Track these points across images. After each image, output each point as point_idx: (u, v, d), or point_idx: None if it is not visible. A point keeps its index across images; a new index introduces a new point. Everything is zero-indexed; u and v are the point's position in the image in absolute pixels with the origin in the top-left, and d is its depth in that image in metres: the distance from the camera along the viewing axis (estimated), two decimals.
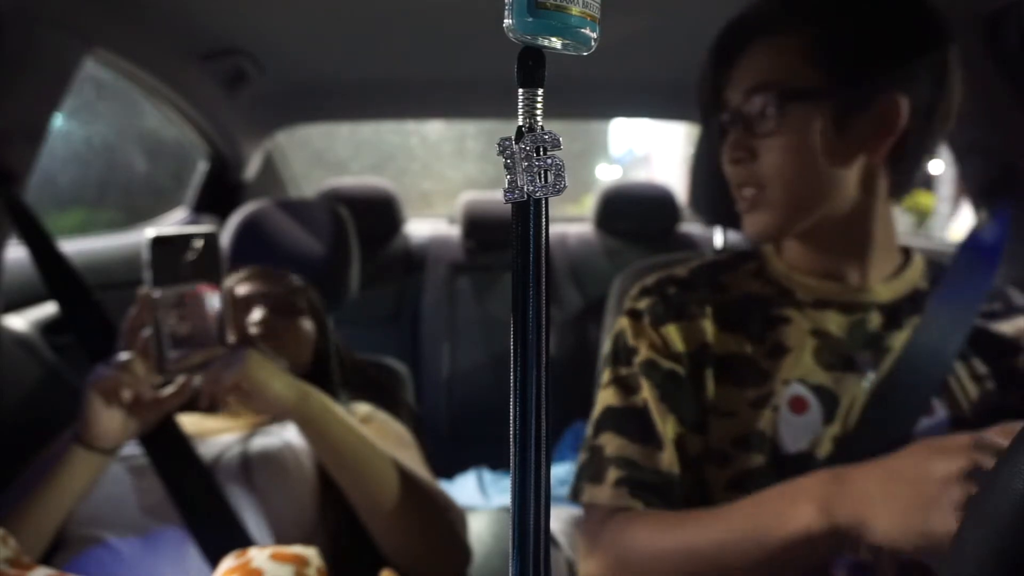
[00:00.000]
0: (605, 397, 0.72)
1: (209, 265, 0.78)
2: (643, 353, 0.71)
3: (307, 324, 1.04)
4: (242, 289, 1.02)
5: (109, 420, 0.73)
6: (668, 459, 0.66)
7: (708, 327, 0.71)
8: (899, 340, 0.68)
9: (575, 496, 0.69)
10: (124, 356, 0.75)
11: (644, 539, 0.61)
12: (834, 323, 0.69)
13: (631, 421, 0.68)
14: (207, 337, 0.77)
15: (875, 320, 0.69)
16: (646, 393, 0.69)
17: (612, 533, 0.64)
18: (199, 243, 0.78)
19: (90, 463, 0.74)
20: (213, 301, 0.78)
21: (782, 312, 0.70)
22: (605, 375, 0.74)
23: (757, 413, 0.67)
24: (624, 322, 0.74)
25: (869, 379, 0.66)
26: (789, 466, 0.64)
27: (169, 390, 0.78)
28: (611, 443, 0.68)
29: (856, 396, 0.66)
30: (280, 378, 0.76)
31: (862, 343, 0.68)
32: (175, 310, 0.75)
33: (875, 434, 0.63)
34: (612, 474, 0.66)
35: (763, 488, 0.62)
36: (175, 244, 0.76)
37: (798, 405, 0.66)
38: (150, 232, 0.75)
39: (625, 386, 0.71)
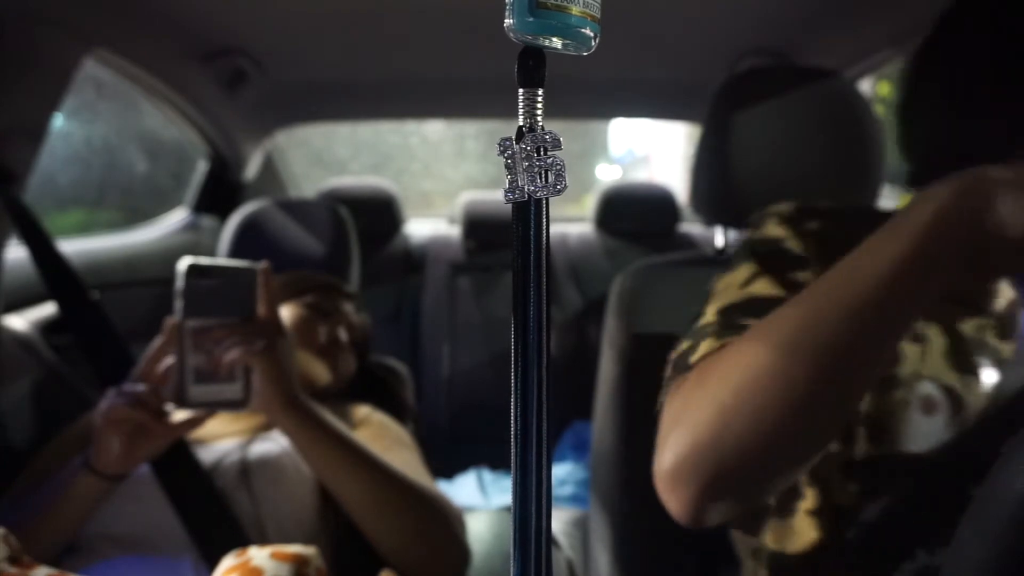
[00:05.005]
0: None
1: (243, 301, 0.76)
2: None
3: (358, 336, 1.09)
4: (308, 301, 1.04)
5: (121, 450, 0.72)
6: None
7: None
8: (1007, 350, 0.64)
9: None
10: (140, 387, 0.74)
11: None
12: (965, 324, 0.65)
13: None
14: (232, 374, 0.75)
15: (993, 328, 0.66)
16: None
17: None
18: (237, 278, 0.76)
19: (100, 488, 0.73)
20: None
21: None
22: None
23: (884, 397, 0.63)
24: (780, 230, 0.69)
25: (988, 387, 0.63)
26: (908, 465, 0.61)
27: (181, 416, 0.76)
28: None
29: (975, 403, 0.62)
30: (287, 389, 0.76)
31: (984, 350, 0.64)
32: (203, 344, 0.74)
33: (983, 444, 0.59)
34: None
35: (874, 475, 0.60)
36: (211, 275, 0.74)
37: (929, 406, 0.62)
38: (186, 259, 0.73)
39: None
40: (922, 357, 0.63)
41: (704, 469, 0.52)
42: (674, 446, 0.54)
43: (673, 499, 0.54)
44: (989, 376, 0.64)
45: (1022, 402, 0.61)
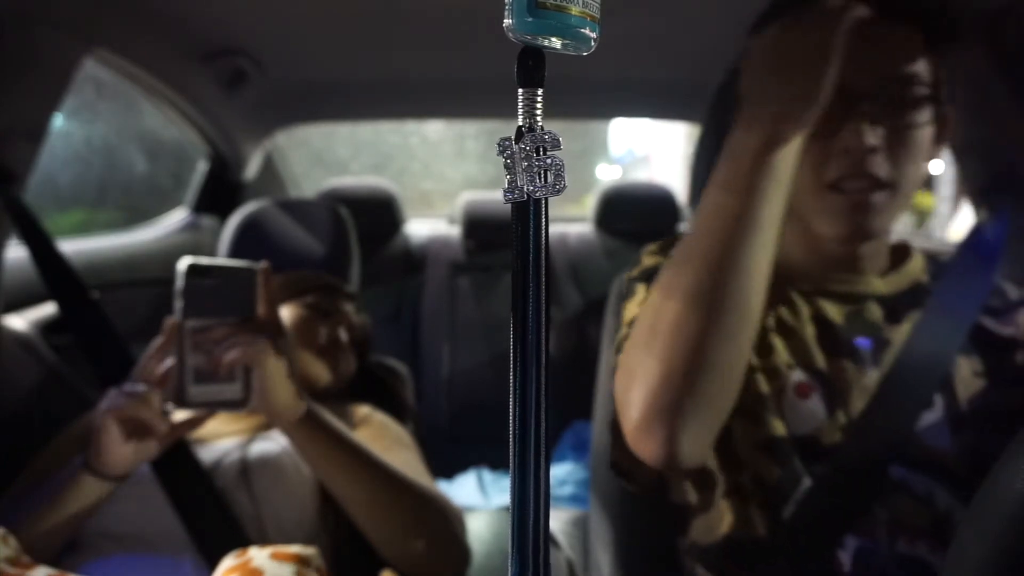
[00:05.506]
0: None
1: (243, 301, 0.76)
2: None
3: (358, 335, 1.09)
4: (308, 301, 1.03)
5: (121, 449, 0.72)
6: None
7: None
8: (900, 334, 0.68)
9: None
10: (141, 388, 0.74)
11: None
12: (833, 312, 0.69)
13: None
14: (232, 374, 0.74)
15: (874, 312, 0.69)
16: None
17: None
18: (237, 277, 0.76)
19: (99, 489, 0.73)
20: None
21: (784, 293, 0.71)
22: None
23: (766, 386, 0.68)
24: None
25: (871, 370, 0.66)
26: (799, 445, 0.65)
27: (181, 416, 0.76)
28: None
29: (859, 387, 0.66)
30: (287, 389, 0.76)
31: (861, 333, 0.68)
32: (203, 344, 0.73)
33: (880, 426, 0.63)
34: None
35: (786, 457, 0.64)
36: (211, 275, 0.74)
37: (802, 390, 0.66)
38: (186, 259, 0.74)
39: None
40: (791, 347, 0.69)
41: (667, 408, 0.58)
42: (636, 401, 0.60)
43: (649, 446, 0.60)
44: (867, 357, 0.67)
45: (913, 380, 0.65)
